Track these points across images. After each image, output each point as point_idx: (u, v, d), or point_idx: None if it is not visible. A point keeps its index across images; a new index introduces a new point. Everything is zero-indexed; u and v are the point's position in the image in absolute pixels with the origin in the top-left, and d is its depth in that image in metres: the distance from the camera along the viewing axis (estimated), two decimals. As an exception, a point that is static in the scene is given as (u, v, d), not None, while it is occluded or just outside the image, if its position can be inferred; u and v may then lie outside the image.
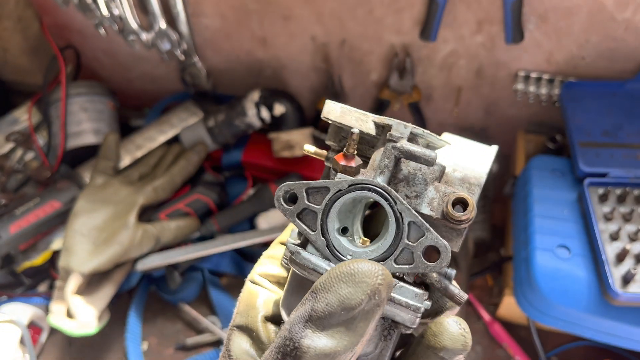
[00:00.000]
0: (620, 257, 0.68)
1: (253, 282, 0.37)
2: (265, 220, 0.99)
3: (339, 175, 0.32)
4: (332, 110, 0.34)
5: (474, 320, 0.91)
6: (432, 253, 0.30)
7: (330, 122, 0.35)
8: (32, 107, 1.14)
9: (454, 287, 0.33)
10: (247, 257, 1.00)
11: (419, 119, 1.02)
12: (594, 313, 0.68)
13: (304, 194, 0.32)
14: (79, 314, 0.84)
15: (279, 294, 0.37)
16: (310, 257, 0.31)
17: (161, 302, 0.98)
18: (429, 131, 0.33)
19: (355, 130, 0.32)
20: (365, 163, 0.33)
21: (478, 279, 0.95)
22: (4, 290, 0.96)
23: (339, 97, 1.00)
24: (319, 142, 1.05)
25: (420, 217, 0.31)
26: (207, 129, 1.01)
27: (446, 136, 0.37)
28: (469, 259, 0.94)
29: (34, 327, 0.92)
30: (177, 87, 1.14)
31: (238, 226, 1.00)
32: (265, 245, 1.00)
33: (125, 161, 1.02)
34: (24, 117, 1.16)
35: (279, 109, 0.98)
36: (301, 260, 0.32)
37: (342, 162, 0.32)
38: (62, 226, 0.97)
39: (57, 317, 0.85)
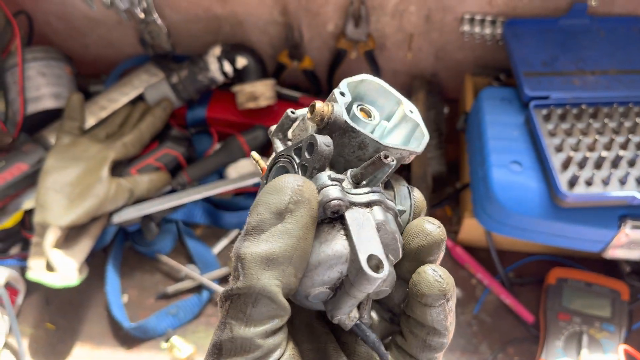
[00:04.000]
0: (565, 164, 0.76)
1: None
2: (234, 170, 1.02)
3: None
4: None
5: (437, 247, 0.99)
6: (310, 151, 0.33)
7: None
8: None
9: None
10: (220, 206, 1.03)
11: (374, 68, 1.08)
12: (546, 217, 0.76)
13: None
14: (60, 266, 0.85)
15: None
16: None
17: (138, 256, 1.00)
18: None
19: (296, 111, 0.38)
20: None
21: (438, 211, 1.02)
22: (-25, 255, 0.95)
23: (299, 48, 1.05)
24: (280, 97, 1.09)
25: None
26: (171, 86, 1.03)
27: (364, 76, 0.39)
28: (428, 193, 1.01)
29: (10, 289, 0.92)
30: (135, 51, 1.15)
31: (208, 178, 1.03)
32: (237, 194, 1.03)
33: (90, 122, 1.03)
34: (-24, 88, 1.14)
35: (241, 61, 1.02)
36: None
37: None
38: (31, 188, 0.97)
39: (37, 272, 0.85)
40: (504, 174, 0.80)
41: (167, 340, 0.89)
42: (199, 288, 0.95)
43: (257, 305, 0.29)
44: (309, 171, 0.33)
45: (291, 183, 0.31)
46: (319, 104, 0.34)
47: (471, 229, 0.94)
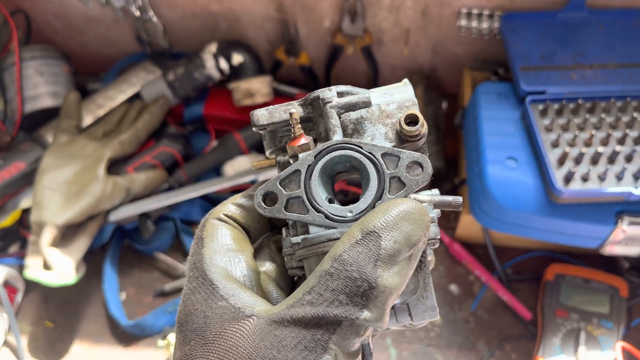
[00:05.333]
0: (561, 160, 0.75)
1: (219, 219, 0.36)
2: (231, 167, 1.02)
3: (300, 155, 0.34)
4: (260, 117, 0.36)
5: (435, 243, 0.98)
6: (413, 170, 0.33)
7: (262, 130, 0.37)
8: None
9: (448, 197, 0.35)
10: (217, 204, 1.02)
11: (372, 63, 1.07)
12: (542, 214, 0.76)
13: (280, 187, 0.33)
14: (57, 265, 0.86)
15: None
16: (318, 232, 0.33)
17: (136, 254, 1.00)
18: (350, 85, 0.37)
19: (293, 110, 0.35)
20: (314, 140, 0.36)
21: (436, 207, 1.01)
22: (-26, 253, 0.96)
23: (295, 44, 1.04)
24: (277, 93, 1.08)
25: (388, 146, 0.33)
26: (168, 83, 1.03)
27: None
28: (427, 188, 1.00)
29: (9, 287, 0.93)
30: (132, 48, 1.15)
31: (205, 176, 1.03)
32: (234, 191, 1.03)
33: (87, 120, 1.03)
34: (-26, 87, 1.14)
35: (237, 58, 1.01)
36: (312, 240, 0.32)
37: (297, 144, 0.34)
38: (29, 186, 0.97)
39: (34, 270, 0.86)
40: (499, 170, 0.79)
41: (164, 338, 0.89)
42: (196, 285, 0.95)
43: (363, 335, 0.29)
44: (405, 190, 0.32)
45: (427, 217, 0.30)
46: None
47: (469, 225, 0.93)
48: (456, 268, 0.96)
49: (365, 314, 0.28)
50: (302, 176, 0.33)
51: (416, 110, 0.35)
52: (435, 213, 0.34)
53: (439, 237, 0.34)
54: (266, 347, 0.28)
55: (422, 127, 0.34)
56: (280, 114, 0.36)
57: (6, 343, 0.92)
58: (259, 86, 1.01)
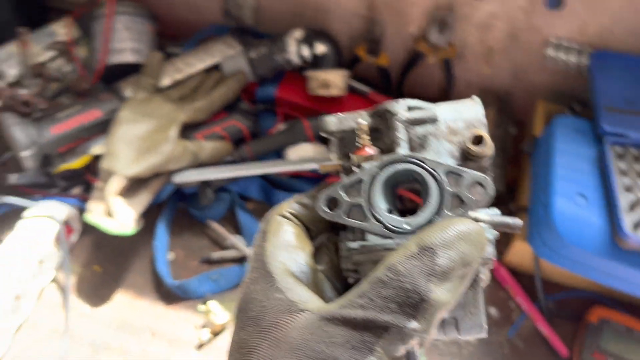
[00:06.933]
0: (633, 206, 0.75)
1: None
2: (294, 152, 1.04)
3: (365, 164, 0.35)
4: (330, 123, 0.38)
5: (481, 264, 0.99)
6: (474, 189, 0.33)
7: (332, 137, 0.38)
8: (71, 22, 1.17)
9: (507, 218, 0.35)
10: (275, 185, 1.05)
11: (449, 76, 1.08)
12: (605, 256, 0.76)
13: (343, 194, 0.35)
14: (119, 214, 0.88)
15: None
16: (375, 240, 0.34)
17: (189, 218, 1.03)
18: (417, 99, 0.38)
19: (362, 121, 0.36)
20: (379, 151, 0.37)
21: (488, 229, 1.02)
22: (40, 189, 0.99)
23: (377, 44, 1.05)
24: (351, 89, 1.10)
25: (451, 164, 0.34)
26: (248, 60, 1.05)
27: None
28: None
29: (66, 227, 0.96)
30: (217, 20, 1.17)
31: (268, 156, 1.05)
32: (292, 176, 1.05)
33: (165, 82, 1.06)
34: (61, 30, 1.18)
35: (320, 48, 1.03)
36: (369, 248, 0.34)
37: (363, 154, 0.36)
38: (101, 134, 1.00)
39: (96, 215, 0.89)
40: (567, 204, 0.79)
41: (204, 304, 0.91)
42: (242, 259, 0.97)
43: (409, 344, 0.30)
44: (465, 209, 0.33)
45: (485, 239, 0.31)
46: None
47: (519, 252, 0.93)
48: (498, 292, 0.96)
49: (414, 324, 0.29)
50: (365, 185, 0.35)
51: (484, 132, 0.36)
52: (493, 234, 0.35)
53: (494, 257, 0.34)
54: (315, 340, 0.29)
55: (489, 149, 0.35)
56: (349, 123, 0.38)
57: (55, 280, 0.95)
58: (335, 79, 1.03)
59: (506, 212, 1.02)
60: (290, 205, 0.38)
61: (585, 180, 0.81)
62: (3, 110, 0.98)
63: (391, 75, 1.13)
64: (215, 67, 1.08)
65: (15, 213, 0.97)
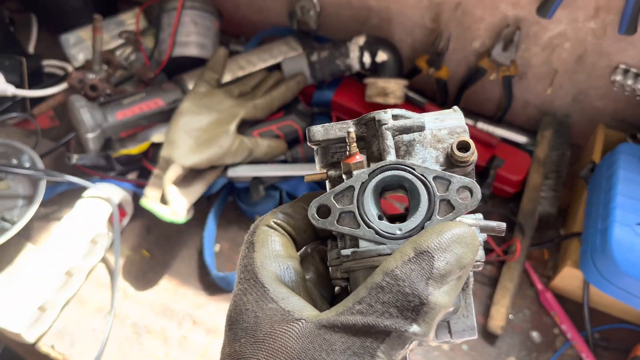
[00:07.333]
0: (697, 241, 0.73)
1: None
2: (347, 157, 1.04)
3: (355, 172, 0.35)
4: (316, 133, 0.38)
5: (526, 286, 0.97)
6: (463, 194, 0.34)
7: (317, 145, 0.39)
8: (140, 13, 1.21)
9: (492, 222, 0.37)
10: (323, 186, 1.05)
11: (508, 94, 1.06)
12: (660, 288, 0.74)
13: (333, 201, 0.35)
14: (173, 202, 0.91)
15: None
16: (368, 246, 0.34)
17: (238, 212, 1.04)
18: (404, 109, 0.38)
19: (350, 129, 0.37)
20: (367, 158, 0.37)
21: (535, 251, 1.00)
22: (98, 171, 1.03)
23: (440, 57, 1.05)
24: (407, 99, 1.10)
25: (439, 170, 0.35)
26: (309, 63, 1.07)
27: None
28: (532, 231, 0.99)
29: (120, 210, 0.99)
30: (281, 21, 1.19)
31: (320, 158, 1.06)
32: (343, 180, 1.05)
33: (226, 78, 1.08)
34: (130, 20, 1.23)
35: (382, 56, 1.04)
36: (362, 254, 0.34)
37: (353, 161, 0.36)
38: (162, 123, 1.03)
39: (151, 201, 0.91)
40: (626, 233, 0.77)
41: (247, 298, 0.92)
42: (286, 258, 0.98)
43: (409, 348, 0.30)
44: (454, 213, 0.34)
45: (477, 242, 0.32)
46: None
47: (568, 278, 0.91)
48: (542, 317, 0.94)
49: (414, 328, 0.29)
50: (356, 192, 0.35)
51: (467, 137, 0.36)
52: (482, 237, 0.36)
53: (483, 259, 0.35)
54: (315, 349, 0.29)
55: (473, 154, 0.36)
56: (335, 132, 0.38)
57: (104, 260, 0.98)
58: (394, 87, 1.03)
59: (555, 235, 1.00)
60: (275, 215, 0.38)
61: (646, 211, 0.79)
62: (72, 92, 1.02)
63: (449, 89, 1.12)
64: (277, 67, 1.10)
65: (74, 192, 1.00)
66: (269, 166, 1.00)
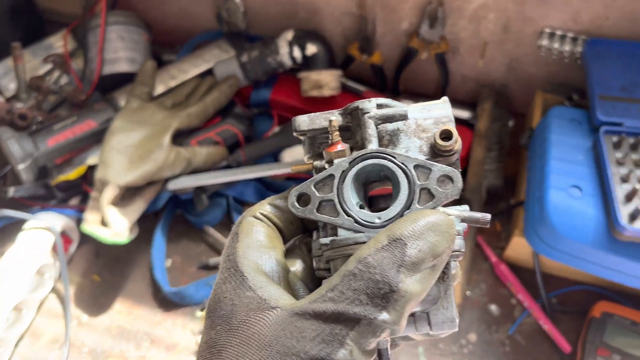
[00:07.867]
0: (629, 196, 0.73)
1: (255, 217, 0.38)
2: (289, 155, 1.03)
3: (336, 160, 0.35)
4: (301, 122, 0.38)
5: (481, 261, 0.97)
6: (443, 183, 0.34)
7: (303, 136, 0.39)
8: (67, 34, 1.18)
9: (476, 213, 0.36)
10: (271, 188, 1.04)
11: (444, 71, 1.06)
12: (601, 248, 0.74)
13: (314, 189, 0.35)
14: (113, 223, 0.89)
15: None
16: (346, 235, 0.34)
17: (186, 224, 1.03)
18: (389, 99, 0.38)
19: (333, 118, 0.37)
20: (350, 148, 0.37)
21: (488, 225, 1.00)
22: (38, 201, 1.01)
23: (370, 42, 1.04)
24: (345, 88, 1.09)
25: (421, 159, 0.35)
26: (240, 64, 1.05)
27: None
28: (481, 205, 0.99)
29: (64, 237, 0.97)
30: (210, 25, 1.17)
31: (263, 159, 1.05)
32: (288, 178, 1.05)
33: (159, 89, 1.06)
34: (58, 43, 1.20)
35: (312, 49, 1.02)
36: (340, 242, 0.34)
37: (334, 150, 0.36)
38: (97, 145, 1.01)
39: (91, 225, 0.90)
40: (561, 197, 0.77)
41: (202, 309, 0.91)
42: (239, 264, 0.97)
43: (380, 336, 0.30)
44: (434, 202, 0.33)
45: (453, 230, 0.31)
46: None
47: (519, 248, 0.91)
48: (499, 289, 0.94)
49: (384, 316, 0.29)
50: (336, 180, 0.35)
51: (452, 127, 0.36)
52: (462, 227, 0.35)
53: (463, 249, 0.35)
54: (286, 336, 0.30)
55: (456, 143, 0.35)
56: (320, 121, 0.38)
57: (54, 290, 0.96)
58: (328, 79, 1.02)
59: (506, 206, 1.00)
60: (262, 207, 0.38)
61: (580, 172, 0.79)
62: (1, 124, 1.00)
63: (386, 73, 1.11)
64: (208, 72, 1.09)
65: (15, 225, 0.98)
66: (210, 174, 0.98)
